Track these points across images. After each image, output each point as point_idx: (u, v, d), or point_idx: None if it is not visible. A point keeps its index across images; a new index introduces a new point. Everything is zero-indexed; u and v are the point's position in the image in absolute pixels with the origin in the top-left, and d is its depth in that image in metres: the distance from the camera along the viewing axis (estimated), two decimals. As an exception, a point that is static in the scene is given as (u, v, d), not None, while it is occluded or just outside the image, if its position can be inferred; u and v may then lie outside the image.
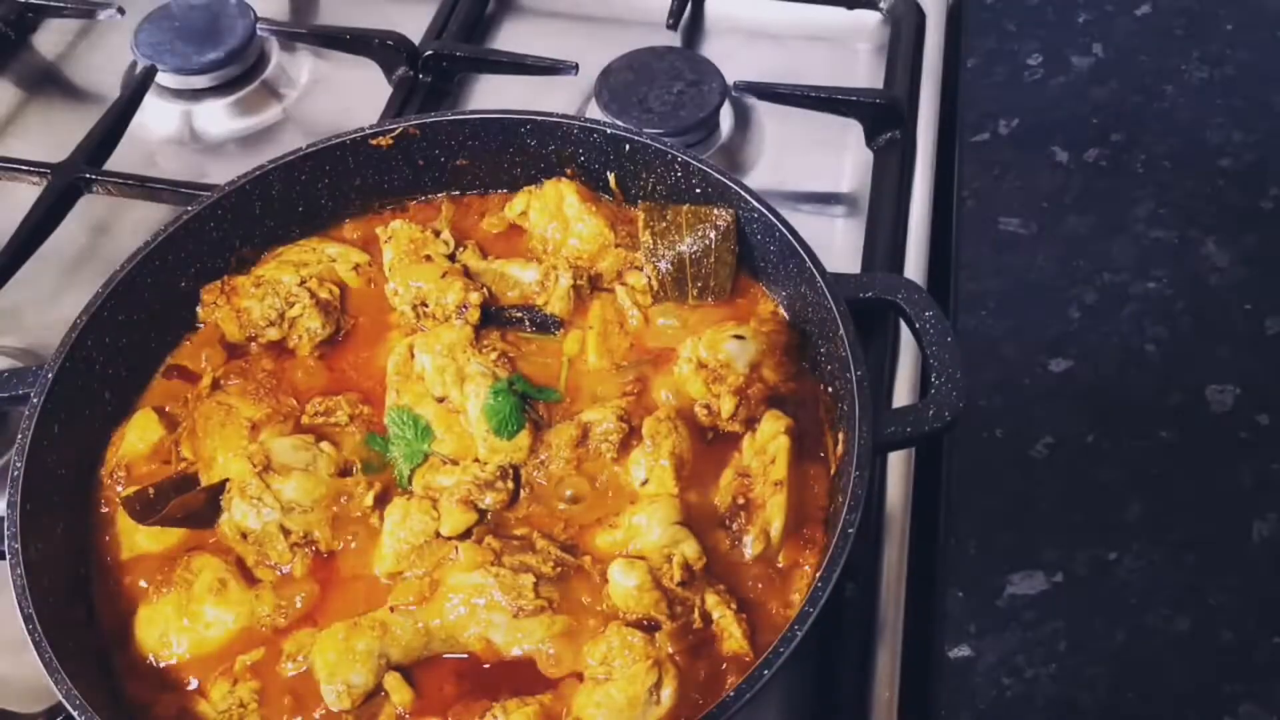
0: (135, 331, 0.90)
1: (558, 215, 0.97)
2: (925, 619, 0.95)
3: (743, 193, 0.92)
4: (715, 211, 0.93)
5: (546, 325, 0.93)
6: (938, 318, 0.85)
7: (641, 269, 0.94)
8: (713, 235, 0.92)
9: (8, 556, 0.76)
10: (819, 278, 0.86)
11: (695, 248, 0.92)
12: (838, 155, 1.23)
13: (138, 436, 0.88)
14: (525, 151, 0.99)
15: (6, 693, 0.87)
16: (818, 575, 0.73)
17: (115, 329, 0.88)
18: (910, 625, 0.91)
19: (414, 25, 1.31)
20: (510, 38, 1.37)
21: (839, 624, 0.88)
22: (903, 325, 1.06)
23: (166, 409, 0.90)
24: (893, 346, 1.05)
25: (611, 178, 0.99)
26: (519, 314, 0.94)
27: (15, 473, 0.79)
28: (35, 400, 0.82)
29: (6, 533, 0.76)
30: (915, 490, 0.98)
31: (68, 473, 0.84)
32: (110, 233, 1.18)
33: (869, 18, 1.36)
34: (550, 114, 0.97)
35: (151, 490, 0.83)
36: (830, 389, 0.87)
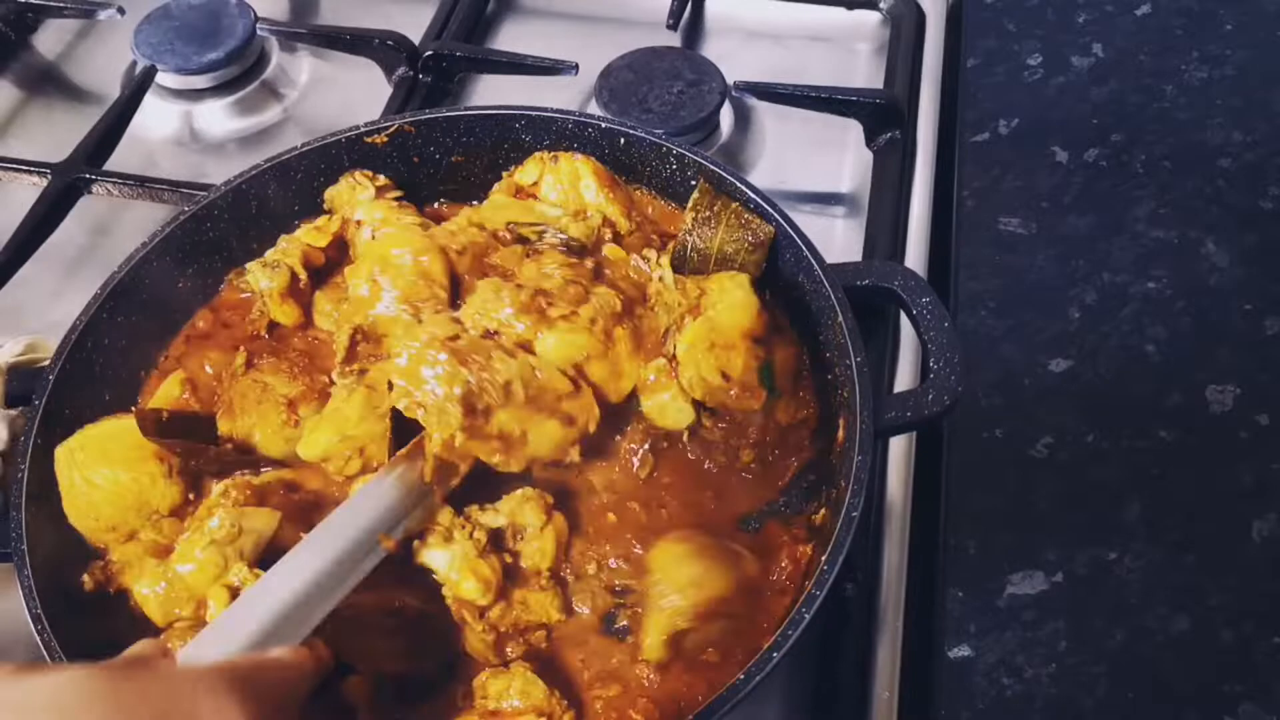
0: (134, 332, 0.90)
1: (572, 194, 0.96)
2: (925, 619, 0.95)
3: (737, 183, 0.92)
4: (758, 222, 0.92)
5: (569, 247, 0.92)
6: (934, 303, 0.85)
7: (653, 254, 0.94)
8: (749, 241, 0.91)
9: (14, 559, 0.75)
10: (816, 266, 0.86)
11: (728, 247, 0.92)
12: (838, 155, 1.23)
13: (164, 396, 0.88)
14: (520, 147, 0.99)
15: (6, 693, 0.87)
16: (823, 559, 0.73)
17: (115, 330, 0.88)
18: (910, 625, 0.91)
19: (414, 25, 1.31)
20: (510, 38, 1.38)
21: (839, 624, 0.88)
22: (903, 324, 1.06)
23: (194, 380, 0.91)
24: (893, 344, 1.05)
25: None
26: (540, 229, 0.93)
27: (19, 474, 0.79)
28: (37, 402, 0.82)
29: (12, 535, 0.76)
30: (915, 490, 0.98)
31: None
32: (110, 233, 1.18)
33: (869, 18, 1.36)
34: (544, 109, 0.97)
35: (166, 414, 0.83)
36: (830, 376, 0.87)
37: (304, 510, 0.83)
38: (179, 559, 0.77)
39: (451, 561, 0.79)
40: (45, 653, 0.71)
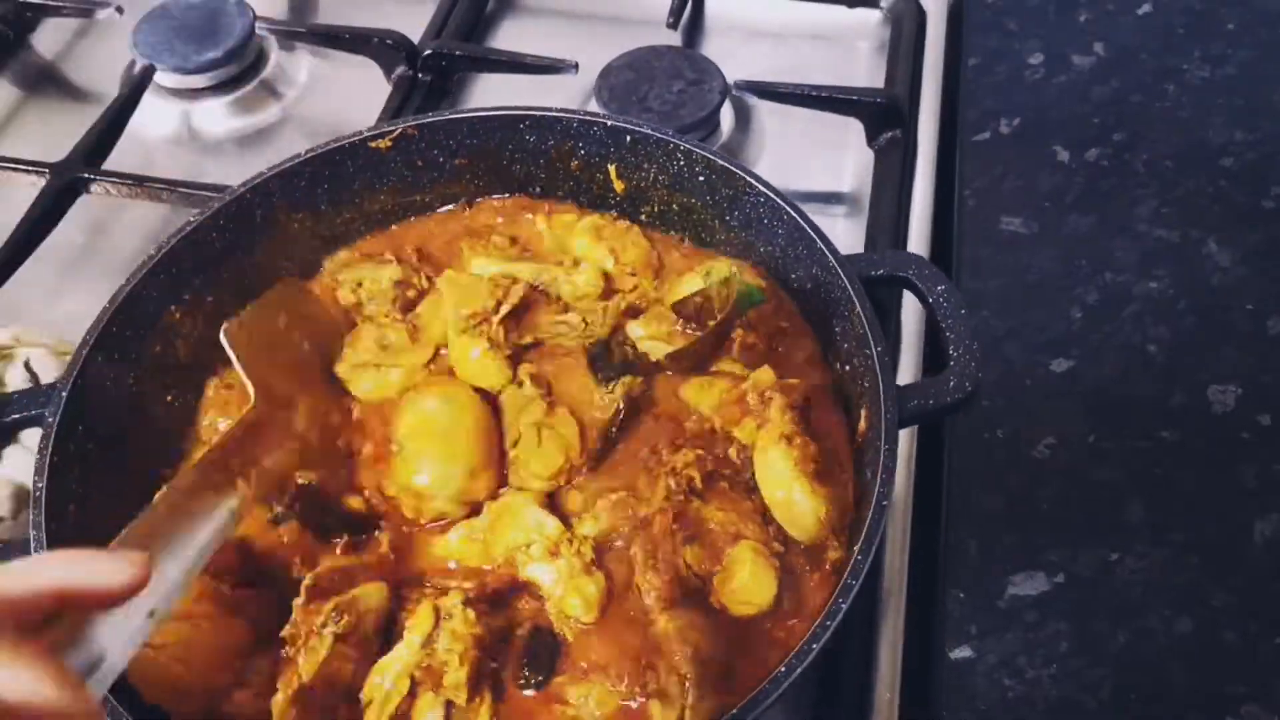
0: (140, 345, 0.88)
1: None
2: (926, 620, 0.94)
3: (747, 178, 0.91)
4: None
5: None
6: (950, 291, 0.84)
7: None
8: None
9: None
10: (830, 257, 0.85)
11: None
12: (838, 154, 1.23)
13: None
14: (524, 148, 0.98)
15: (4, 694, 0.87)
16: (856, 550, 0.73)
17: (122, 344, 0.86)
18: (911, 626, 0.90)
19: (413, 24, 1.31)
20: (510, 37, 1.37)
21: (840, 625, 0.88)
22: (904, 321, 1.06)
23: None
24: (895, 341, 1.05)
25: (612, 170, 0.98)
26: None
27: (37, 493, 0.76)
28: (51, 419, 0.79)
29: (34, 553, 0.74)
30: (916, 490, 0.98)
31: (84, 489, 0.81)
32: (109, 232, 1.18)
33: (870, 16, 1.36)
34: (549, 109, 0.96)
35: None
36: (847, 367, 0.86)
37: (388, 568, 0.81)
38: (305, 671, 0.72)
39: (556, 577, 0.77)
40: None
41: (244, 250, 0.94)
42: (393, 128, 0.96)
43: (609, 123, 0.95)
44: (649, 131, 0.95)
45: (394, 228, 1.00)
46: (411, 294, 0.93)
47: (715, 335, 0.87)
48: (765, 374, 0.85)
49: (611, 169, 0.98)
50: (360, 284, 0.93)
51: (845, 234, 1.15)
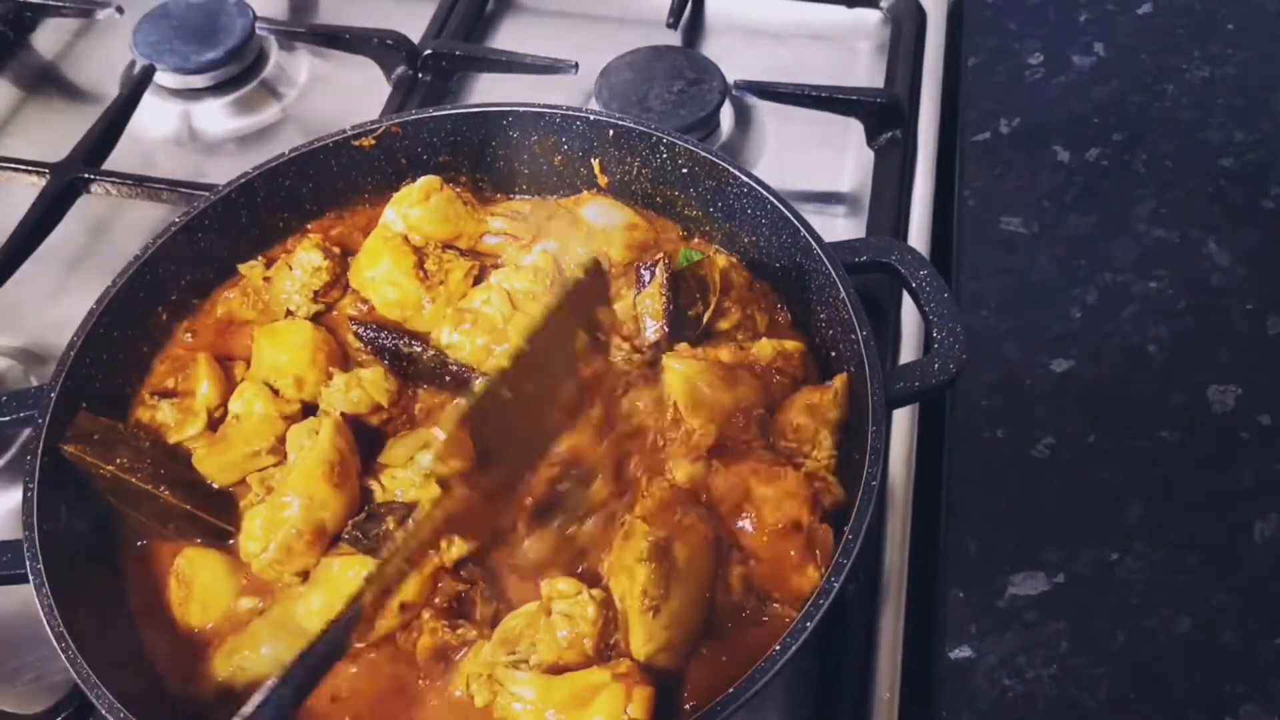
0: (128, 346, 0.89)
1: None
2: (926, 620, 0.94)
3: (729, 168, 0.92)
4: None
5: None
6: (932, 275, 0.85)
7: None
8: None
9: (31, 579, 0.74)
10: (814, 245, 0.86)
11: None
12: (838, 154, 1.23)
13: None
14: (508, 144, 0.98)
15: (6, 693, 0.87)
16: (846, 529, 0.73)
17: (110, 345, 0.87)
18: (911, 626, 0.90)
19: (413, 24, 1.31)
20: (510, 37, 1.37)
21: (840, 624, 0.88)
22: (904, 319, 1.06)
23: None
24: (894, 342, 1.05)
25: (595, 164, 0.98)
26: None
27: (28, 495, 0.78)
28: (40, 420, 0.80)
29: (27, 554, 0.75)
30: (916, 491, 0.98)
31: (76, 487, 0.82)
32: (109, 232, 1.18)
33: (870, 17, 1.36)
34: (531, 104, 0.97)
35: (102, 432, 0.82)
36: (834, 353, 0.86)
37: None
38: None
39: None
40: (72, 670, 0.70)
41: (229, 249, 0.95)
42: (376, 125, 0.96)
43: (591, 117, 0.96)
44: (631, 125, 0.95)
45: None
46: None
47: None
48: (765, 347, 0.86)
49: (595, 163, 0.98)
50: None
51: (845, 234, 1.16)
